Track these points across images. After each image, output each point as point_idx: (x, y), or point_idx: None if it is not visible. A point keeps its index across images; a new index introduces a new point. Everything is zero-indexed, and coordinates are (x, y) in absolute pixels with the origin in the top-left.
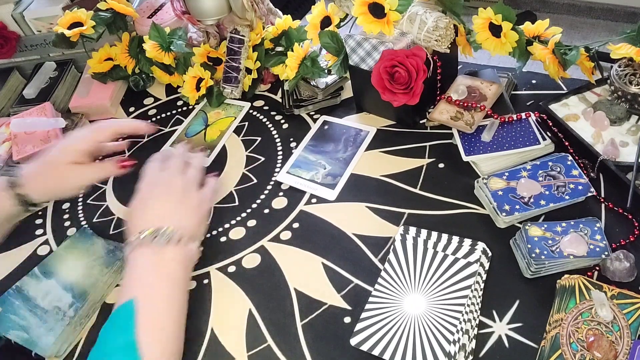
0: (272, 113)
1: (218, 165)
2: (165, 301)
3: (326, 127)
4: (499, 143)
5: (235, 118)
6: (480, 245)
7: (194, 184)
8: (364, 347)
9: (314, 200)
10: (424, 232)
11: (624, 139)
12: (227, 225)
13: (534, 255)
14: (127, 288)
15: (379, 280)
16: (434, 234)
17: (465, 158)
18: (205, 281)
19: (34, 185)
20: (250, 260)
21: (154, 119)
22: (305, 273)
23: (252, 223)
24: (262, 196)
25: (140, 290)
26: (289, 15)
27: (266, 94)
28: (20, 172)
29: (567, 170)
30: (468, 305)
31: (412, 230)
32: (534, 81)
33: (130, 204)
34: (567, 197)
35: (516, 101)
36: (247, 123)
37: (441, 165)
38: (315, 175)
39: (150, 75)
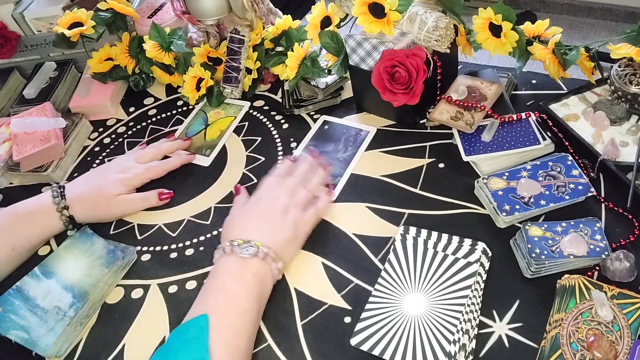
0: (272, 113)
1: (218, 165)
2: (241, 317)
3: (326, 127)
4: (499, 143)
5: (235, 117)
6: (480, 245)
7: (299, 206)
8: (364, 347)
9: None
10: (424, 232)
11: (624, 139)
12: None
13: (534, 255)
14: (208, 295)
15: (379, 280)
16: (434, 234)
17: (465, 158)
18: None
19: (80, 209)
20: None
21: (154, 118)
22: (305, 273)
23: None
24: None
25: (220, 297)
26: (289, 15)
27: (266, 94)
28: (68, 194)
29: (567, 170)
30: (468, 305)
31: (412, 230)
32: (534, 81)
33: (232, 213)
34: (567, 197)
35: (516, 101)
36: (247, 123)
37: (441, 165)
38: None
39: (150, 75)
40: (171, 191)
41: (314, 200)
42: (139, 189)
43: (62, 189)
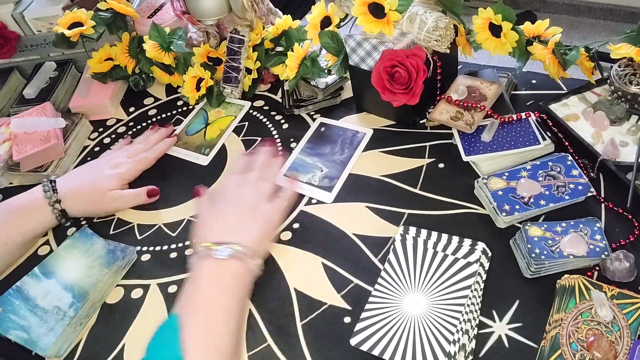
0: (272, 113)
1: (218, 165)
2: (222, 313)
3: (322, 129)
4: (499, 143)
5: (236, 117)
6: (480, 245)
7: (266, 197)
8: (364, 347)
9: (314, 200)
10: (424, 232)
11: (624, 139)
12: None
13: (533, 255)
14: (187, 298)
15: (379, 280)
16: (434, 234)
17: (465, 158)
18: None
19: (73, 203)
20: None
21: (154, 119)
22: (305, 273)
23: None
24: None
25: (199, 302)
26: (289, 15)
27: (266, 94)
28: (60, 188)
29: (567, 170)
30: (468, 305)
31: (412, 230)
32: (534, 81)
33: (201, 213)
34: (567, 197)
35: (516, 101)
36: (247, 123)
37: (441, 165)
38: (312, 178)
39: (150, 75)
40: (157, 188)
41: (279, 190)
42: (132, 183)
43: (53, 183)
